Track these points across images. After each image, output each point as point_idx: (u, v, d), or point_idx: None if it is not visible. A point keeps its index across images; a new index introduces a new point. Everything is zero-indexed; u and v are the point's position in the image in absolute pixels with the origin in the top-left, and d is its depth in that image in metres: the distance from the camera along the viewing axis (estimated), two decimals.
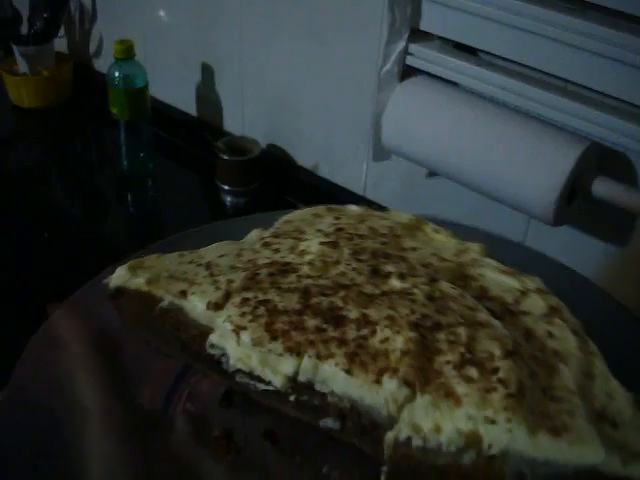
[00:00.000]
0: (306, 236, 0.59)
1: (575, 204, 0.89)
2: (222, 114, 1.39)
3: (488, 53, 0.93)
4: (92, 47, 1.60)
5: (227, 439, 0.53)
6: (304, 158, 1.27)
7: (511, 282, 0.56)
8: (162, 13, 1.37)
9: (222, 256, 0.57)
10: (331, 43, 1.11)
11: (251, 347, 0.48)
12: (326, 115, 1.19)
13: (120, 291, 0.55)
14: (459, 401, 0.43)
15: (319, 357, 0.47)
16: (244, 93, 1.32)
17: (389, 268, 0.54)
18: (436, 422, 0.43)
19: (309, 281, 0.52)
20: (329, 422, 0.49)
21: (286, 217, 0.62)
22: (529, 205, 0.87)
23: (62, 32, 1.59)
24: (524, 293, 0.55)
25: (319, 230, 0.59)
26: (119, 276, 0.55)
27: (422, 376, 0.45)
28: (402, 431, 0.43)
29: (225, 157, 1.27)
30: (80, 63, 1.62)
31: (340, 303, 0.50)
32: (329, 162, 1.23)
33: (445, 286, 0.53)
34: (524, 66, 0.90)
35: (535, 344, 0.49)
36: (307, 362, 0.47)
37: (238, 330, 0.49)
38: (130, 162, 1.35)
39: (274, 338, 0.48)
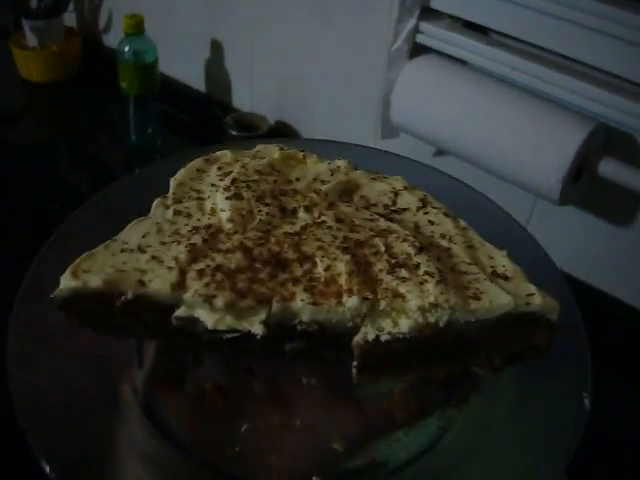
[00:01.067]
0: (206, 194, 0.64)
1: (581, 184, 0.90)
2: (231, 91, 1.40)
3: (497, 32, 0.93)
4: (101, 22, 1.60)
5: (219, 389, 0.59)
6: (312, 135, 1.28)
7: (382, 186, 0.66)
8: None
9: (145, 236, 0.59)
10: (341, 21, 1.11)
11: (225, 310, 0.53)
12: (335, 92, 1.20)
13: (72, 299, 0.56)
14: (405, 298, 0.54)
15: (285, 299, 0.54)
16: (253, 70, 1.33)
17: (292, 204, 0.62)
18: (393, 319, 0.53)
19: (239, 237, 0.58)
20: (295, 345, 0.56)
21: (176, 180, 0.65)
22: (536, 184, 0.88)
23: (71, 7, 1.59)
24: (396, 193, 0.65)
25: (213, 185, 0.64)
26: (68, 286, 0.55)
27: (370, 288, 0.54)
28: (369, 333, 0.53)
29: (234, 133, 1.28)
30: (89, 37, 1.62)
31: (277, 248, 0.57)
32: (337, 139, 1.23)
33: (343, 207, 0.62)
34: (533, 45, 0.91)
35: (425, 234, 0.60)
36: (276, 306, 0.53)
37: (210, 299, 0.53)
38: (138, 137, 1.36)
39: (243, 296, 0.54)
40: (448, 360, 0.57)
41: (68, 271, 0.55)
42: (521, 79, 0.91)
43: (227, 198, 0.62)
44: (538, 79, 0.90)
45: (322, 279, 0.55)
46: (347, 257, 0.56)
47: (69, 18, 1.61)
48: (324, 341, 0.55)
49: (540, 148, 0.87)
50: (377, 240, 0.58)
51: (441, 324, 0.53)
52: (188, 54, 1.43)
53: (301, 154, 0.68)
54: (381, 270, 0.56)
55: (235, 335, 0.54)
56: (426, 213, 0.63)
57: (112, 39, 1.56)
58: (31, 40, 1.54)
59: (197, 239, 0.58)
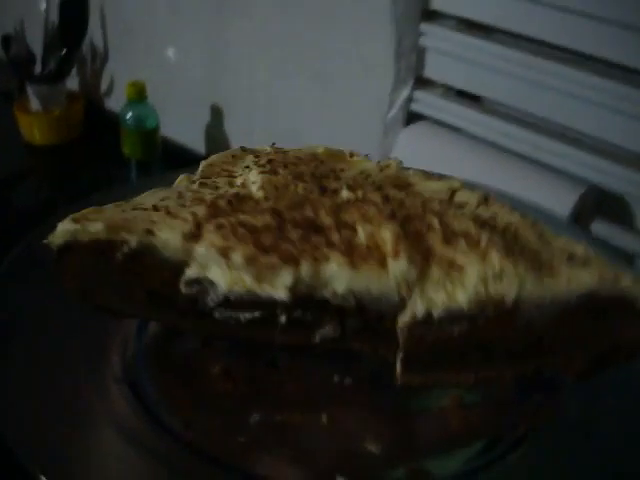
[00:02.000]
0: (238, 172, 0.57)
1: None
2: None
3: (490, 100, 0.96)
4: (103, 86, 1.64)
5: (227, 374, 0.52)
6: None
7: (438, 185, 0.58)
8: (172, 54, 1.41)
9: (164, 199, 0.53)
10: (340, 87, 1.14)
11: (244, 266, 0.45)
12: None
13: (67, 248, 0.48)
14: (464, 268, 0.45)
15: (316, 260, 0.45)
16: (253, 133, 1.36)
17: (334, 185, 0.54)
18: (449, 293, 0.44)
19: (270, 203, 0.51)
20: (327, 331, 0.47)
21: (206, 162, 0.60)
22: None
23: (74, 71, 1.63)
24: (454, 191, 0.57)
25: (247, 167, 0.58)
26: (65, 231, 0.48)
27: (422, 255, 0.46)
28: (418, 309, 0.43)
29: None
30: (91, 102, 1.65)
31: (312, 214, 0.49)
32: None
33: (392, 192, 0.54)
34: (525, 112, 0.93)
35: (489, 222, 0.51)
36: (306, 268, 0.45)
37: (227, 251, 0.46)
38: None
39: (266, 252, 0.45)
40: (517, 357, 0.47)
41: (70, 217, 0.49)
42: (514, 145, 0.94)
43: (261, 172, 0.55)
44: (530, 145, 0.92)
45: (363, 245, 0.47)
46: (393, 224, 0.48)
47: (72, 82, 1.64)
48: (363, 325, 0.47)
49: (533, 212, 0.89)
50: (430, 217, 0.49)
51: (508, 301, 0.44)
52: (189, 118, 1.46)
53: (348, 151, 0.62)
54: (435, 241, 0.47)
55: (254, 315, 0.47)
56: (487, 209, 0.54)
57: (114, 103, 1.59)
58: (34, 104, 1.57)
59: (220, 202, 0.51)
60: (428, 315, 0.43)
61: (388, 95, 0.99)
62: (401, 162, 0.61)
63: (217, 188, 0.54)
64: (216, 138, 1.43)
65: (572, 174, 0.90)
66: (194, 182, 0.56)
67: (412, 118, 1.01)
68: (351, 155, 0.62)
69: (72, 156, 1.60)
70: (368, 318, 0.46)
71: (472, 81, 0.95)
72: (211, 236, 0.46)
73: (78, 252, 0.48)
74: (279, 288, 0.45)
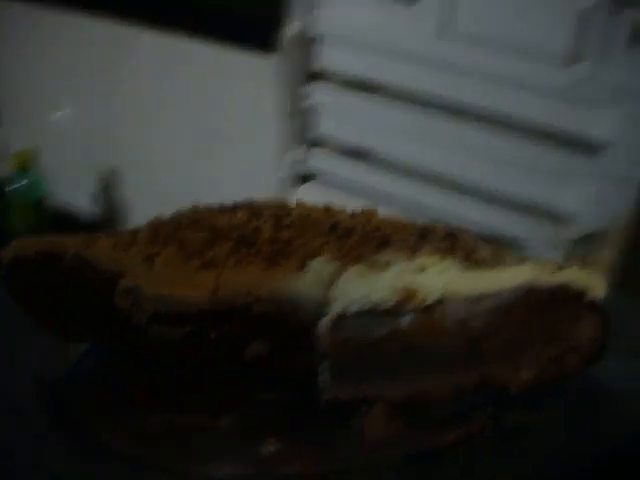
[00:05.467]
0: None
1: None
2: (127, 216, 1.39)
3: (379, 155, 0.97)
4: None
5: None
6: None
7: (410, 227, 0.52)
8: (62, 119, 1.38)
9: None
10: (233, 149, 1.14)
11: (165, 270, 0.46)
12: None
13: (16, 261, 0.50)
14: (387, 264, 0.42)
15: (237, 265, 0.45)
16: (148, 197, 1.33)
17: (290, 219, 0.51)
18: (366, 289, 0.41)
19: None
20: (256, 347, 0.46)
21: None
22: None
23: None
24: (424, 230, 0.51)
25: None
26: (15, 245, 0.50)
27: (347, 257, 0.43)
28: (335, 308, 0.41)
29: None
30: None
31: (250, 233, 0.48)
32: None
33: (347, 222, 0.50)
34: (416, 165, 0.95)
35: (442, 241, 0.46)
36: (226, 272, 0.45)
37: (151, 257, 0.46)
38: None
39: (189, 258, 0.46)
40: (455, 367, 0.43)
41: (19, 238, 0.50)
42: (405, 199, 0.94)
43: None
44: (423, 200, 0.93)
45: (289, 251, 0.45)
46: (329, 237, 0.46)
47: None
48: (290, 337, 0.45)
49: None
50: (373, 233, 0.46)
51: (431, 298, 0.40)
52: (81, 184, 1.42)
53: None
54: (368, 250, 0.44)
55: (185, 330, 0.46)
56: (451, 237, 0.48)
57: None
58: None
59: (167, 227, 0.50)
60: (345, 313, 0.41)
61: (280, 156, 0.98)
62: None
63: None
64: (110, 202, 1.40)
65: (465, 222, 0.92)
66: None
67: (305, 177, 1.01)
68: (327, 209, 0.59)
69: None
70: (293, 329, 0.44)
71: (361, 138, 0.96)
72: (141, 245, 0.47)
73: (24, 265, 0.49)
74: (199, 290, 0.44)
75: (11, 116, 1.49)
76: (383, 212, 0.57)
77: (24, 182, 1.27)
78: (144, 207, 1.35)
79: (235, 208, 0.56)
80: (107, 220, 1.42)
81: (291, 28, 0.90)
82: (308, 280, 0.43)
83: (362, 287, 0.41)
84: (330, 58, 0.93)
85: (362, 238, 0.46)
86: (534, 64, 0.78)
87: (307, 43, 0.92)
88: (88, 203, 1.43)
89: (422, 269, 0.41)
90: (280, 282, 0.43)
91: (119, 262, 0.47)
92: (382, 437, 0.43)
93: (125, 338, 0.50)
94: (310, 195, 0.98)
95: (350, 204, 0.89)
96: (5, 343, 0.54)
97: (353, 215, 0.56)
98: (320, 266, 0.43)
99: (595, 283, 0.40)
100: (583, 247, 0.84)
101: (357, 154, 0.99)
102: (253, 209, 0.55)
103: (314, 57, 0.94)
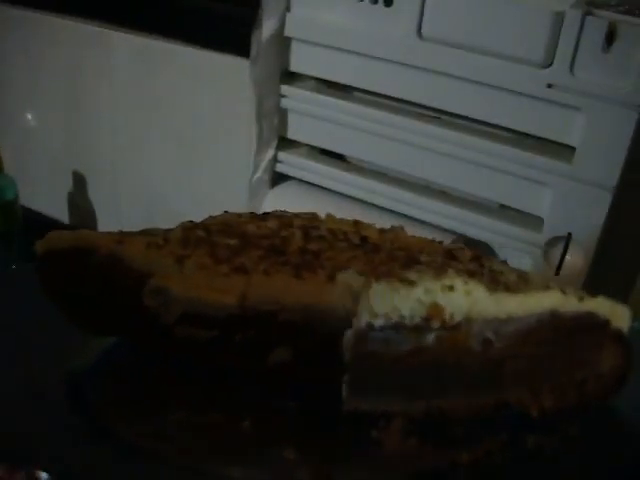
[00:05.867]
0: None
1: None
2: (96, 220, 1.38)
3: (354, 157, 0.97)
4: None
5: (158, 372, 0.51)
6: None
7: (435, 245, 0.54)
8: (30, 120, 1.36)
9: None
10: (204, 151, 1.13)
11: (195, 272, 0.46)
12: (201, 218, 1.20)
13: (49, 254, 0.50)
14: (414, 282, 0.42)
15: (266, 273, 0.45)
16: (118, 199, 1.32)
17: (319, 232, 0.52)
18: (393, 304, 0.42)
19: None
20: (280, 354, 0.46)
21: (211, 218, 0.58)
22: None
23: None
24: (450, 250, 0.52)
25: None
26: (49, 238, 0.50)
27: (374, 273, 0.44)
28: (361, 320, 0.42)
29: None
30: None
31: (280, 243, 0.49)
32: None
33: (375, 237, 0.52)
34: (388, 169, 0.95)
35: (467, 264, 0.47)
36: (255, 278, 0.45)
37: (182, 259, 0.47)
38: None
39: (219, 262, 0.46)
40: (473, 389, 0.43)
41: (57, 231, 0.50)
42: (380, 201, 0.94)
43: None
44: (396, 201, 0.93)
45: (318, 263, 0.46)
46: (357, 252, 0.47)
47: None
48: (313, 346, 0.45)
49: None
50: (401, 252, 0.48)
51: (458, 316, 0.41)
52: (50, 187, 1.41)
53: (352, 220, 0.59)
54: (394, 267, 0.45)
55: (212, 334, 0.47)
56: (477, 259, 0.49)
57: None
58: None
59: (200, 230, 0.51)
60: (370, 326, 0.42)
61: (255, 157, 0.98)
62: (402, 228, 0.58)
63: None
64: (80, 206, 1.39)
65: (438, 225, 0.92)
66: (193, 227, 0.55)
67: (278, 179, 1.01)
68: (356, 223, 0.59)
69: None
70: (317, 334, 0.45)
71: (334, 140, 0.96)
72: (173, 247, 0.48)
73: (57, 258, 0.50)
74: (228, 295, 0.45)
75: None
76: (410, 230, 0.58)
77: None
78: (114, 211, 1.34)
79: (265, 217, 0.57)
80: (77, 224, 1.41)
81: (265, 29, 0.90)
82: (336, 292, 0.43)
83: (390, 301, 0.42)
84: (303, 59, 0.93)
85: (390, 255, 0.48)
86: (508, 66, 0.78)
87: (280, 44, 0.92)
88: (59, 207, 1.41)
89: (450, 288, 0.42)
90: (308, 292, 0.44)
91: (150, 261, 0.48)
92: (398, 452, 0.43)
93: (151, 336, 0.51)
94: (284, 196, 0.97)
95: (324, 205, 0.89)
96: (34, 334, 0.54)
97: (381, 231, 0.57)
98: (349, 278, 0.43)
99: (620, 313, 0.41)
100: (554, 251, 0.84)
101: (330, 155, 0.99)
102: (283, 219, 0.56)
103: (288, 58, 0.93)
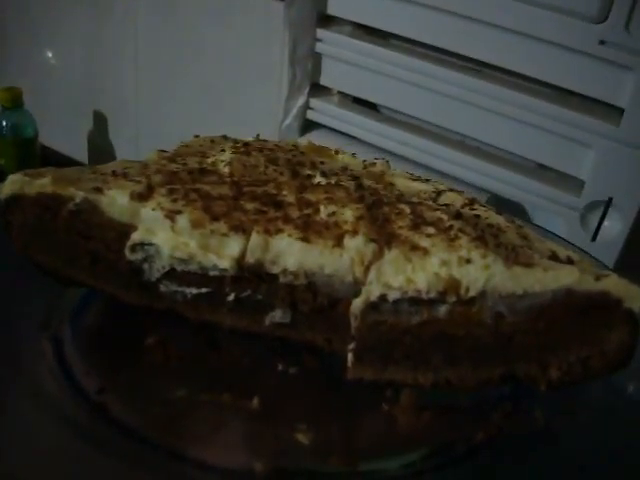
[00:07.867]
0: (212, 153, 0.55)
1: None
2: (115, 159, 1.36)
3: (387, 108, 0.94)
4: None
5: (161, 346, 0.48)
6: None
7: (424, 187, 0.54)
8: (50, 58, 1.33)
9: (127, 168, 0.50)
10: (231, 93, 1.10)
11: (189, 231, 0.43)
12: None
13: (14, 200, 0.47)
14: (427, 251, 0.41)
15: (268, 232, 0.43)
16: (139, 141, 1.29)
17: (308, 172, 0.51)
18: (407, 275, 0.41)
19: (233, 178, 0.49)
20: (277, 315, 0.45)
21: (183, 142, 0.58)
22: None
23: None
24: (439, 193, 0.53)
25: (223, 150, 0.55)
26: (14, 181, 0.46)
27: (383, 237, 0.43)
28: (373, 292, 0.41)
29: None
30: None
31: (274, 191, 0.47)
32: None
33: (369, 182, 0.51)
34: (423, 121, 0.92)
35: (469, 220, 0.47)
36: (256, 239, 0.43)
37: (172, 215, 0.44)
38: None
39: (215, 219, 0.43)
40: (482, 361, 0.43)
41: (21, 172, 0.47)
42: (412, 154, 0.92)
43: (233, 152, 0.52)
44: (428, 154, 0.91)
45: (322, 222, 0.44)
46: (358, 205, 0.45)
47: None
48: (315, 310, 0.44)
49: None
50: (403, 205, 0.47)
51: (473, 291, 0.40)
52: (70, 126, 1.38)
53: (333, 149, 0.58)
54: (402, 227, 0.44)
55: (201, 291, 0.45)
56: (473, 209, 0.49)
57: None
58: None
59: (182, 172, 0.48)
60: (383, 298, 0.41)
61: (283, 103, 0.95)
62: (388, 162, 0.57)
63: (185, 164, 0.51)
64: (99, 146, 1.36)
65: (471, 183, 0.89)
66: (165, 157, 0.53)
67: (308, 126, 0.98)
68: (336, 152, 0.59)
69: None
70: (320, 302, 0.44)
71: (368, 89, 0.93)
72: (160, 199, 0.45)
73: (24, 205, 0.46)
74: (225, 257, 0.43)
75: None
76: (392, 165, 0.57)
77: (12, 121, 1.22)
78: (133, 152, 1.32)
79: (247, 149, 0.55)
80: (96, 163, 1.39)
81: None
82: (345, 259, 0.42)
83: (403, 272, 0.41)
84: (342, 2, 0.90)
85: (393, 208, 0.47)
86: (559, 19, 0.75)
87: None
88: (78, 146, 1.39)
89: (468, 261, 0.41)
90: (314, 258, 0.42)
91: (133, 213, 0.45)
92: (413, 426, 0.43)
93: (131, 292, 0.48)
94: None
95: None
96: (4, 286, 0.52)
97: (365, 166, 0.55)
98: (358, 246, 0.42)
99: (634, 294, 0.40)
100: (592, 216, 0.81)
101: (363, 105, 0.96)
102: (266, 153, 0.55)
103: (325, 1, 0.90)
